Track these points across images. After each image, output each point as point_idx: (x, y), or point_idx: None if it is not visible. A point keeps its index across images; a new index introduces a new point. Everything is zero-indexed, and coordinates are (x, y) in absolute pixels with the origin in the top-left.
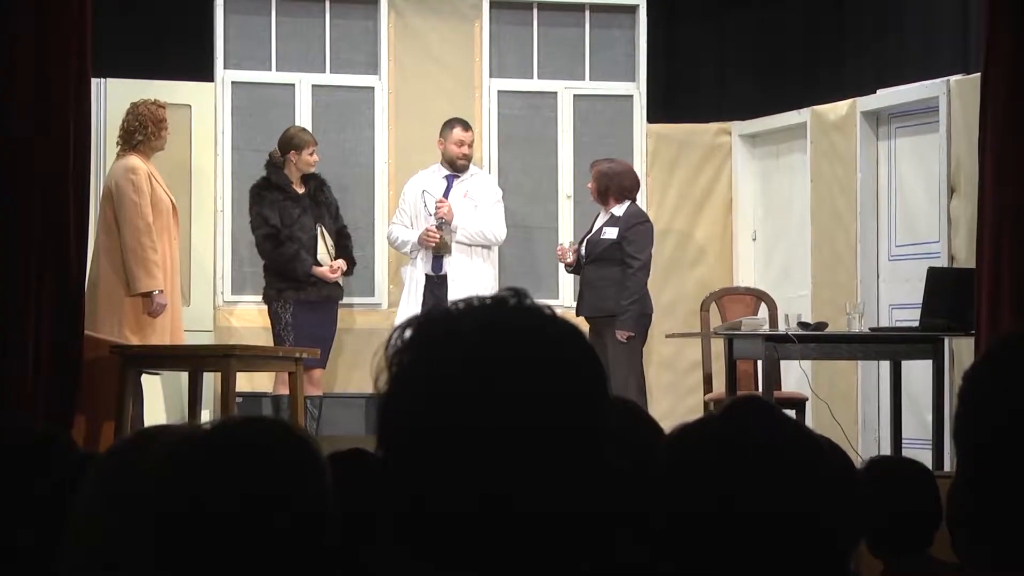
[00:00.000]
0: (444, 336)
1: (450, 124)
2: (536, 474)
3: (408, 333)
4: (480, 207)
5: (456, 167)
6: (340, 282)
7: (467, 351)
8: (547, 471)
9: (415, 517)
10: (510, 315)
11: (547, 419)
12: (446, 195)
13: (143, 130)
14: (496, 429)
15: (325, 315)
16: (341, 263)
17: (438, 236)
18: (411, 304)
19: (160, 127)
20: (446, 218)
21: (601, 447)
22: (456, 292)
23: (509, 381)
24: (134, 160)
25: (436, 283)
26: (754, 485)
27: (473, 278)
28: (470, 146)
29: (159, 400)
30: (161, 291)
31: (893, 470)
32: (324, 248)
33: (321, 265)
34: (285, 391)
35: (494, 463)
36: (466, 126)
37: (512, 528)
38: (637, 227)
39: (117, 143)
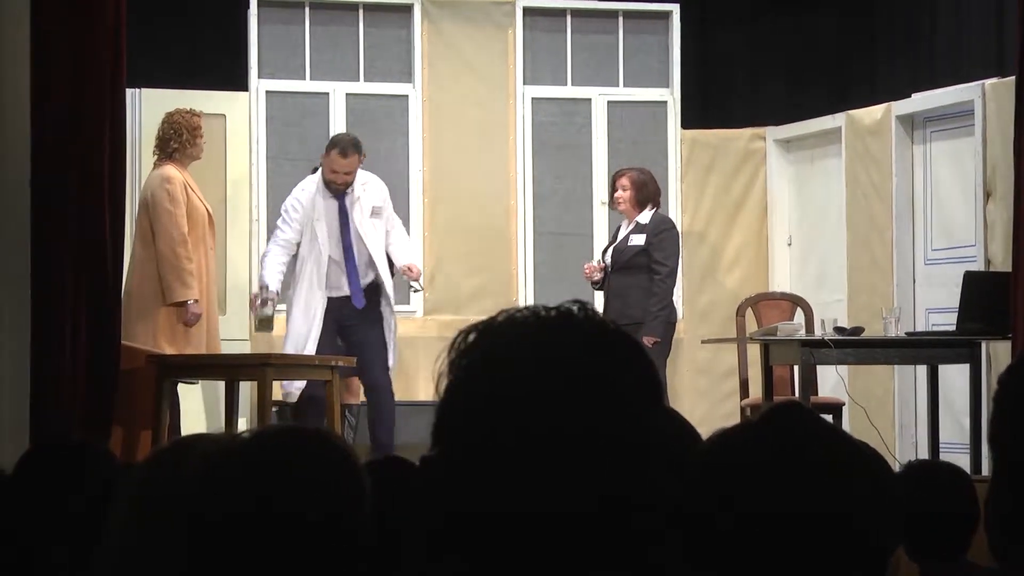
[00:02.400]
0: (507, 343)
1: (330, 145)
2: (586, 483)
3: (471, 338)
4: (392, 225)
5: (332, 190)
6: None
7: (529, 360)
8: (596, 481)
9: (461, 521)
10: (575, 326)
11: (602, 430)
12: (344, 218)
13: (178, 137)
14: (549, 439)
15: None
16: None
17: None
18: (309, 326)
19: (195, 135)
20: (415, 279)
21: (651, 461)
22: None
23: (568, 392)
24: (169, 170)
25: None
26: (794, 490)
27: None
28: (348, 173)
29: (200, 409)
30: (196, 301)
31: (930, 473)
32: None
33: None
34: None
35: (544, 473)
36: (346, 152)
37: (556, 534)
38: (664, 233)
39: (153, 152)
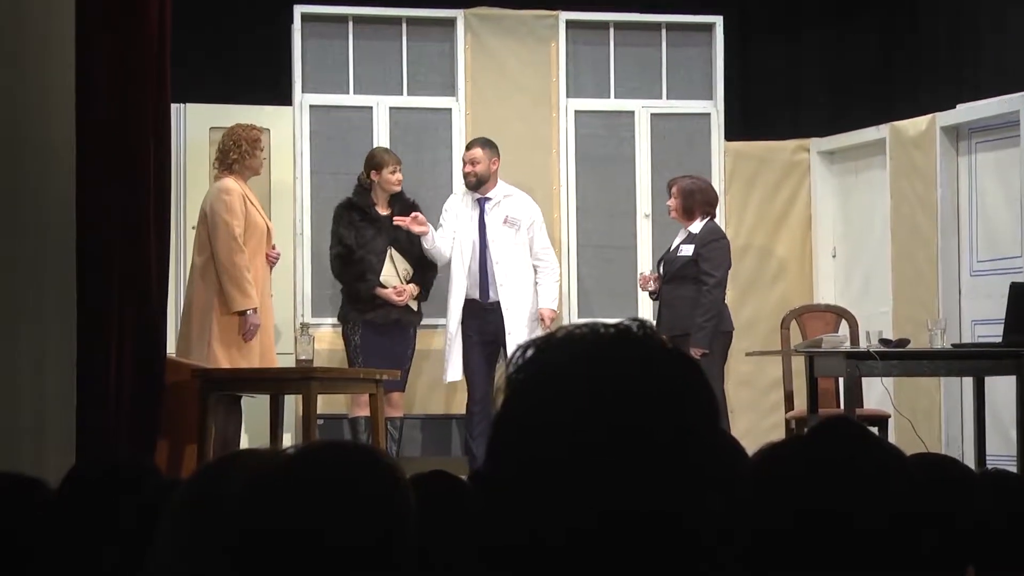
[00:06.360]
0: (564, 359)
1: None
2: (639, 502)
3: (529, 353)
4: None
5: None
6: (413, 306)
7: (585, 377)
8: (650, 500)
9: (513, 538)
10: (633, 344)
11: (656, 450)
12: (481, 220)
13: (237, 149)
14: (603, 457)
15: (397, 338)
16: (411, 288)
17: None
18: (454, 331)
19: (254, 147)
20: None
21: (706, 480)
22: (510, 320)
23: (624, 410)
24: (228, 182)
25: (482, 309)
26: (846, 506)
27: (523, 305)
28: (472, 163)
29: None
30: (255, 311)
31: (1006, 484)
32: (392, 270)
33: (386, 287)
34: (361, 412)
35: (596, 490)
36: (468, 146)
37: (607, 552)
38: (712, 244)
39: (214, 166)
